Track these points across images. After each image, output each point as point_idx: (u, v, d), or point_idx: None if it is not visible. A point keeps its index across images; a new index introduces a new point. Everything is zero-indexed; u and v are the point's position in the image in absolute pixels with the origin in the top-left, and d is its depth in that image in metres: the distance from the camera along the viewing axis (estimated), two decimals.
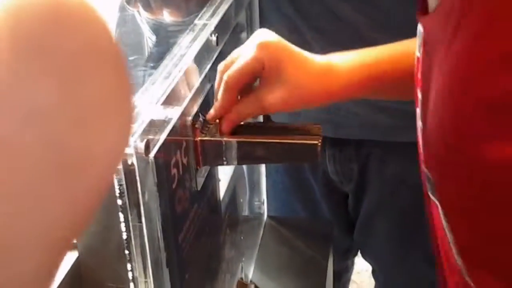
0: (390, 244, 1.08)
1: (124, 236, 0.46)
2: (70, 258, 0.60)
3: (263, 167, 0.92)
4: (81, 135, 0.23)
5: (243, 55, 0.62)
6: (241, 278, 0.81)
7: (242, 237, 0.80)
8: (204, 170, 0.60)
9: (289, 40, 0.94)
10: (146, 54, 0.77)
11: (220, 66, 0.63)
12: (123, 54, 0.26)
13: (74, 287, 0.60)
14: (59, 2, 0.23)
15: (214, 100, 0.62)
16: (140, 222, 0.46)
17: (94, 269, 0.59)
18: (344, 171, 1.02)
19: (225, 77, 0.61)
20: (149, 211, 0.47)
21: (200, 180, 0.58)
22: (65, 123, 0.23)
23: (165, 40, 0.76)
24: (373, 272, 1.21)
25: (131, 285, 0.48)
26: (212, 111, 0.61)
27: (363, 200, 1.05)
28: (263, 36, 0.64)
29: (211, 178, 0.63)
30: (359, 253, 1.21)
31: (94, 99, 0.24)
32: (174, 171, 0.51)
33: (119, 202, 0.45)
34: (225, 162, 0.60)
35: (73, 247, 0.61)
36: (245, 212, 0.92)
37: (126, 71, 0.26)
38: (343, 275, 1.29)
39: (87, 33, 0.24)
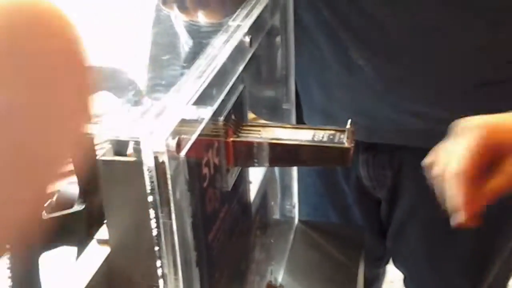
0: (423, 253, 1.07)
1: (155, 232, 0.47)
2: (101, 253, 0.61)
3: (295, 171, 0.92)
4: (44, 135, 0.25)
5: (468, 145, 0.63)
6: (270, 281, 0.81)
7: (272, 240, 0.80)
8: (235, 171, 0.60)
9: (325, 44, 0.94)
10: (180, 53, 0.77)
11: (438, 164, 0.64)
12: (88, 60, 0.27)
13: (104, 282, 0.60)
14: (31, 6, 0.24)
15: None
16: (170, 219, 0.47)
17: (125, 265, 0.60)
18: (378, 177, 1.01)
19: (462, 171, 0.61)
20: (180, 209, 0.47)
21: (231, 181, 0.58)
22: (29, 123, 0.24)
23: (199, 41, 0.77)
24: (405, 280, 1.20)
25: (161, 282, 0.48)
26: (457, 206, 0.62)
27: (396, 207, 1.04)
28: (476, 120, 0.65)
29: (242, 179, 0.63)
30: (391, 262, 1.20)
31: (57, 102, 0.25)
32: (205, 170, 0.51)
33: (150, 199, 0.46)
34: (256, 164, 0.60)
35: (105, 243, 0.62)
36: (276, 215, 0.92)
37: (88, 76, 0.27)
38: (374, 283, 1.27)
39: (56, 38, 0.25)
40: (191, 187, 0.48)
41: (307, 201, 1.09)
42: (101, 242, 0.63)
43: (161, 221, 0.47)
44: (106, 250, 0.61)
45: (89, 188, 0.72)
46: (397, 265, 1.17)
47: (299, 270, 0.87)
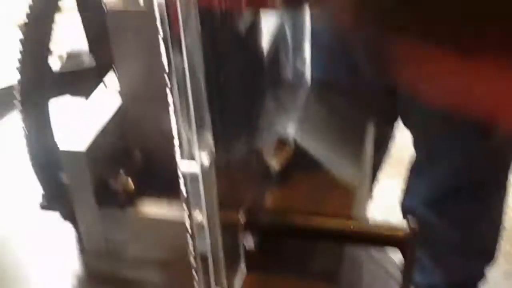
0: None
1: (166, 69, 0.47)
2: (113, 104, 0.62)
3: (307, 28, 0.91)
4: None
5: None
6: (281, 136, 0.82)
7: (283, 95, 0.81)
8: (247, 16, 0.59)
9: None
10: None
11: None
12: None
13: (117, 132, 0.62)
14: None
15: None
16: (182, 57, 0.47)
17: (136, 112, 0.61)
18: None
19: None
20: (191, 47, 0.47)
21: (243, 25, 0.58)
22: None
23: None
24: (413, 140, 1.21)
25: (173, 121, 0.49)
26: None
27: None
28: None
29: (254, 26, 0.62)
30: None
31: None
32: (217, 8, 0.51)
33: (161, 36, 0.46)
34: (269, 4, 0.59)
35: (116, 93, 0.62)
36: (288, 74, 0.91)
37: None
38: (382, 142, 1.29)
39: None
40: (203, 26, 0.48)
41: (317, 60, 1.08)
42: (112, 91, 0.63)
43: (172, 59, 0.47)
44: (117, 101, 0.62)
45: (98, 41, 0.72)
46: (407, 125, 1.18)
47: (311, 126, 0.88)
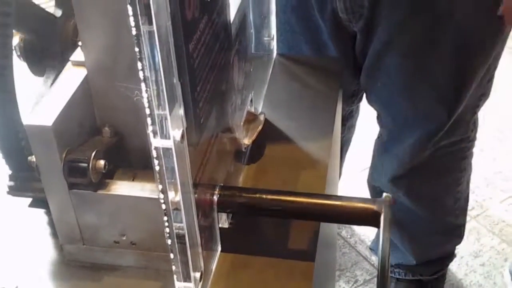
0: (398, 82, 1.07)
1: (135, 40, 0.44)
2: (79, 75, 0.58)
3: (273, 3, 0.88)
4: None
5: None
6: (251, 111, 0.80)
7: (252, 69, 0.79)
8: None
9: None
10: None
11: None
12: None
13: (85, 106, 0.59)
14: None
15: None
16: (151, 25, 0.44)
17: (103, 84, 0.58)
18: (354, 8, 0.98)
19: None
20: (159, 14, 0.44)
21: None
22: None
23: None
24: (378, 117, 1.21)
25: (144, 94, 0.47)
26: None
27: (372, 38, 1.02)
28: None
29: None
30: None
31: None
32: None
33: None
34: None
35: (81, 64, 0.59)
36: (255, 48, 0.89)
37: None
38: (348, 119, 1.29)
39: None
40: None
41: (282, 38, 1.07)
42: (77, 64, 0.60)
43: (141, 28, 0.44)
44: (82, 71, 0.59)
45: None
46: (371, 101, 1.17)
47: (279, 100, 0.86)
